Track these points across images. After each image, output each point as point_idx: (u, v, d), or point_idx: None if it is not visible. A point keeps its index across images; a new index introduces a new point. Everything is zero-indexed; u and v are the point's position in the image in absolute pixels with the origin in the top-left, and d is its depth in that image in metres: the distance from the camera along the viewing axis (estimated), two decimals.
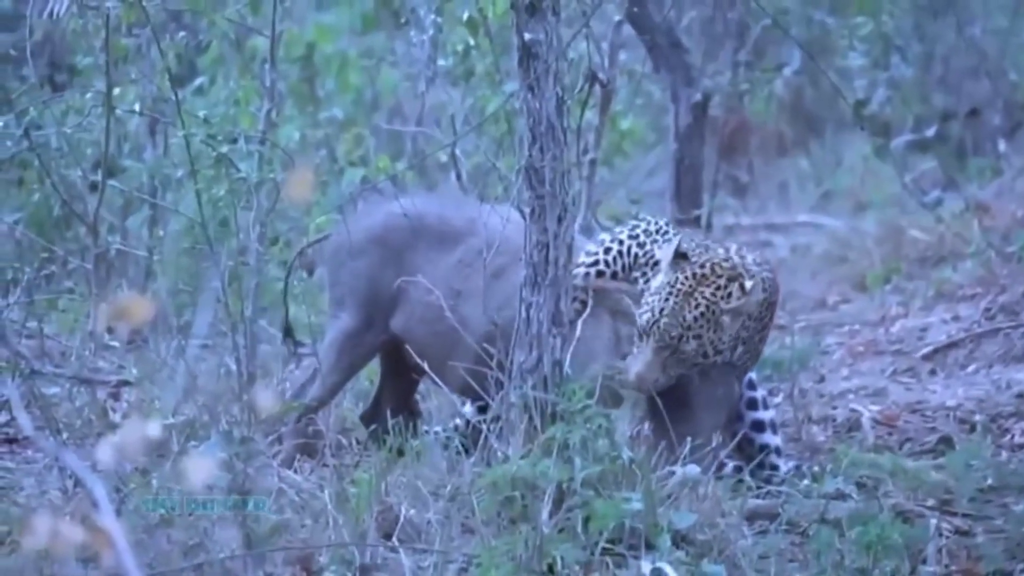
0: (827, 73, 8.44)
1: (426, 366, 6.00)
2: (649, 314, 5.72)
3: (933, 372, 7.68)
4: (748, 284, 5.73)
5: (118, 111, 7.31)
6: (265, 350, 6.77)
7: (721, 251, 5.82)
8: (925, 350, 7.85)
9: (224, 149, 6.12)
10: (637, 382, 5.73)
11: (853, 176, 11.38)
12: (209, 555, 4.96)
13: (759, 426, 6.06)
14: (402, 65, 9.32)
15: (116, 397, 6.86)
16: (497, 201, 6.62)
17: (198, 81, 8.78)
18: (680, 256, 5.74)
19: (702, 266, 5.74)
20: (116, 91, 7.21)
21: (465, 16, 7.62)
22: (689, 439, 5.65)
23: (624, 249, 5.92)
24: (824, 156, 12.03)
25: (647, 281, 5.85)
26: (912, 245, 9.32)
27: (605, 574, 5.09)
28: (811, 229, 10.97)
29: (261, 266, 6.26)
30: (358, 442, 6.38)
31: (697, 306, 5.71)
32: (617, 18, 7.52)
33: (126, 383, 6.88)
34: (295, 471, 5.89)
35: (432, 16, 7.87)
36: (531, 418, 5.41)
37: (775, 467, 6.03)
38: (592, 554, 5.10)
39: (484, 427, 5.57)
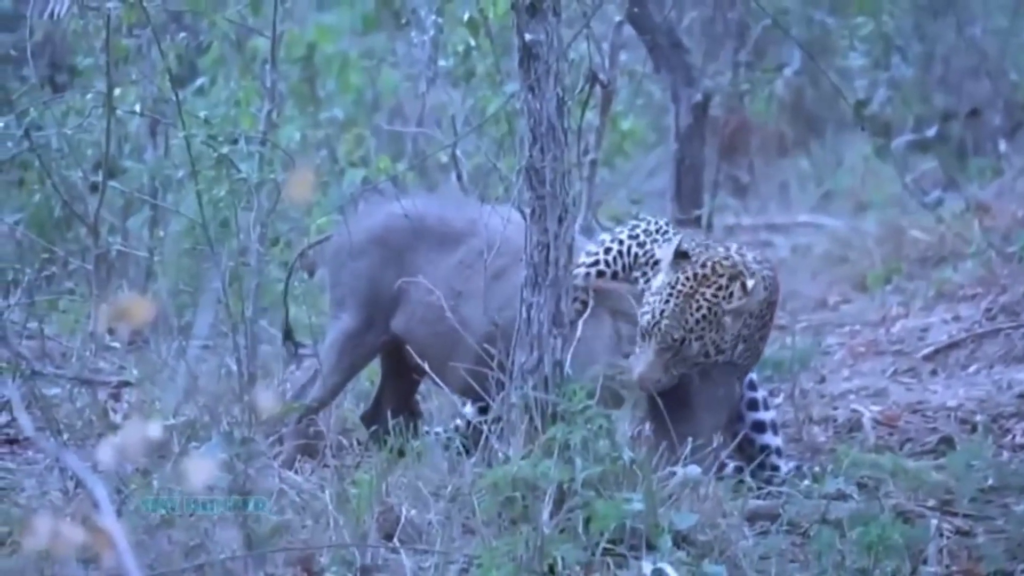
0: (827, 73, 8.44)
1: (427, 367, 6.00)
2: (650, 315, 5.72)
3: (934, 372, 7.68)
4: (750, 283, 5.73)
5: (119, 112, 7.31)
6: (266, 351, 6.77)
7: (721, 250, 5.81)
8: (926, 350, 7.85)
9: (225, 150, 6.12)
10: (640, 382, 5.73)
11: (854, 176, 11.38)
12: (210, 556, 4.96)
13: (760, 427, 6.06)
14: (403, 66, 9.32)
15: (117, 398, 6.87)
16: (498, 202, 6.63)
17: (199, 82, 8.78)
18: (681, 256, 5.74)
19: (703, 266, 5.74)
20: (117, 92, 7.22)
21: (466, 17, 7.62)
22: (690, 440, 5.65)
23: (624, 249, 5.92)
24: (825, 156, 12.03)
25: (647, 281, 5.85)
26: (913, 245, 9.32)
27: (606, 574, 5.09)
28: (812, 229, 10.97)
29: (262, 267, 6.26)
30: (359, 443, 6.38)
31: (699, 308, 5.71)
32: (618, 19, 7.53)
33: (127, 384, 6.89)
34: (296, 472, 5.89)
35: (433, 17, 7.87)
36: (532, 419, 5.41)
37: (776, 468, 6.03)
38: (593, 555, 5.10)
39: (485, 428, 5.57)
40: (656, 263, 5.87)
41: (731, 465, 5.94)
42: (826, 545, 5.21)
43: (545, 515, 5.14)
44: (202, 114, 6.47)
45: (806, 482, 5.81)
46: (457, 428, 6.21)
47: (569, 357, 5.48)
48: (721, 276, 5.74)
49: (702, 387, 5.83)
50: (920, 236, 9.32)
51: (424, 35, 7.84)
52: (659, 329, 5.70)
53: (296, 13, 9.03)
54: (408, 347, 6.10)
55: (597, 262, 5.91)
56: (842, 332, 8.51)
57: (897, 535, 5.19)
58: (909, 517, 5.58)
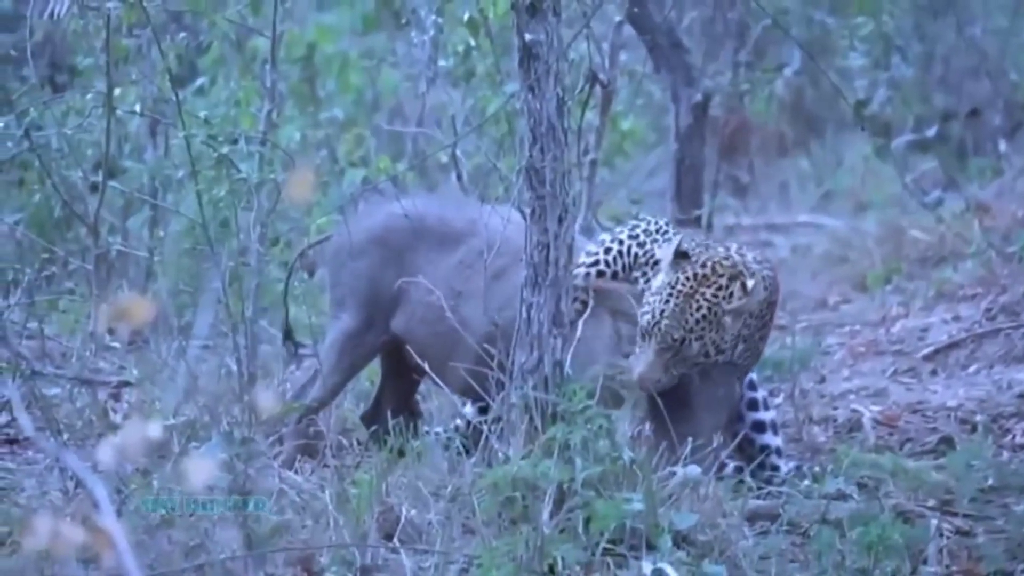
0: (827, 73, 8.44)
1: (427, 367, 6.00)
2: (650, 315, 5.72)
3: (934, 372, 7.68)
4: (750, 283, 5.73)
5: (119, 112, 7.31)
6: (266, 351, 6.77)
7: (721, 250, 5.81)
8: (926, 350, 7.85)
9: (225, 150, 6.12)
10: (640, 382, 5.73)
11: (854, 176, 11.38)
12: (210, 556, 4.96)
13: (760, 427, 6.06)
14: (403, 66, 9.32)
15: (117, 398, 6.87)
16: (498, 202, 6.63)
17: (199, 82, 8.78)
18: (681, 255, 5.74)
19: (703, 266, 5.74)
20: (117, 92, 7.22)
21: (466, 17, 7.62)
22: (690, 440, 5.65)
23: (624, 249, 5.92)
24: (825, 156, 12.03)
25: (647, 281, 5.85)
26: (913, 245, 9.32)
27: (606, 575, 5.09)
28: (812, 229, 10.97)
29: (262, 267, 6.26)
30: (359, 443, 6.38)
31: (699, 308, 5.70)
32: (618, 19, 7.53)
33: (127, 384, 6.89)
34: (296, 472, 5.89)
35: (433, 17, 7.87)
36: (532, 419, 5.41)
37: (776, 468, 6.03)
38: (593, 555, 5.10)
39: (485, 428, 5.57)
40: (656, 263, 5.87)
41: (731, 465, 5.94)
42: (826, 545, 5.21)
43: (545, 515, 5.14)
44: (202, 114, 6.47)
45: (806, 482, 5.81)
46: (457, 428, 6.21)
47: (569, 357, 5.48)
48: (721, 276, 5.74)
49: (702, 387, 5.83)
50: (920, 236, 9.32)
51: (424, 35, 7.84)
52: (659, 329, 5.70)
53: (296, 13, 9.03)
54: (408, 347, 6.10)
55: (597, 262, 5.91)
56: (842, 332, 8.51)
57: (897, 535, 5.19)
58: (909, 517, 5.58)
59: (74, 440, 6.01)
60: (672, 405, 5.75)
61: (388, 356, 6.29)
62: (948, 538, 5.48)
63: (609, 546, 5.13)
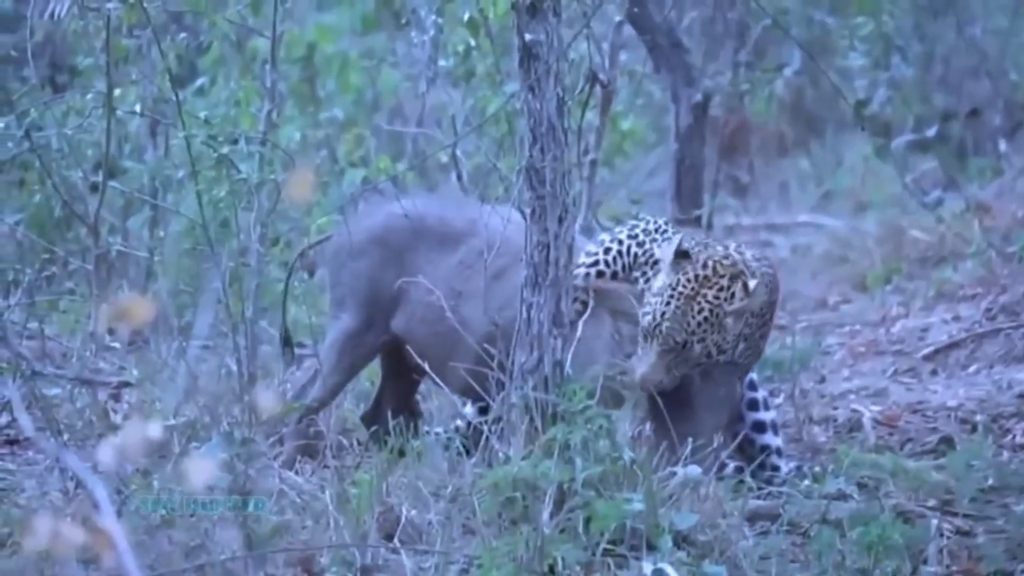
0: (827, 73, 8.44)
1: (427, 367, 6.00)
2: (651, 317, 5.71)
3: (934, 372, 7.68)
4: (752, 284, 5.72)
5: (119, 112, 7.32)
6: (266, 351, 6.76)
7: (720, 249, 5.80)
8: (926, 350, 7.85)
9: (225, 150, 6.12)
10: (642, 383, 5.72)
11: (854, 176, 11.38)
12: (210, 556, 4.96)
13: (760, 427, 6.06)
14: (403, 66, 9.32)
15: (117, 398, 6.87)
16: (498, 202, 6.63)
17: (199, 82, 8.78)
18: (681, 255, 5.73)
19: (704, 267, 5.72)
20: (117, 92, 7.22)
21: (466, 17, 7.62)
22: (690, 440, 5.65)
23: (624, 249, 5.92)
24: (825, 156, 12.03)
25: (647, 281, 5.85)
26: (913, 245, 9.32)
27: (606, 575, 5.09)
28: (812, 229, 10.97)
29: (262, 267, 6.26)
30: (359, 443, 6.38)
31: (701, 310, 5.69)
32: (618, 19, 7.53)
33: (127, 384, 6.89)
34: (296, 472, 5.89)
35: (433, 17, 7.87)
36: (532, 419, 5.41)
37: (776, 468, 6.03)
38: (593, 555, 5.10)
39: (485, 428, 5.57)
40: (656, 263, 5.87)
41: (731, 465, 5.94)
42: (826, 545, 5.21)
43: (545, 515, 5.14)
44: (202, 114, 6.47)
45: (806, 482, 5.81)
46: (457, 428, 6.21)
47: (569, 357, 5.48)
48: (722, 277, 5.73)
49: (703, 387, 5.83)
50: (920, 236, 9.32)
51: (424, 35, 7.84)
52: (660, 332, 5.69)
53: (296, 13, 9.03)
54: (408, 347, 6.10)
55: (597, 262, 5.91)
56: (842, 332, 8.51)
57: (897, 535, 5.19)
58: (909, 517, 5.58)
59: (74, 440, 6.01)
60: (673, 405, 5.75)
61: (388, 356, 6.29)
62: (948, 538, 5.48)
63: (609, 546, 5.13)
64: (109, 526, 3.43)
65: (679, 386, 5.78)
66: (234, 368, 6.07)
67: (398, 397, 6.34)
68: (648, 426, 5.89)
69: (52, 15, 6.82)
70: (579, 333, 5.63)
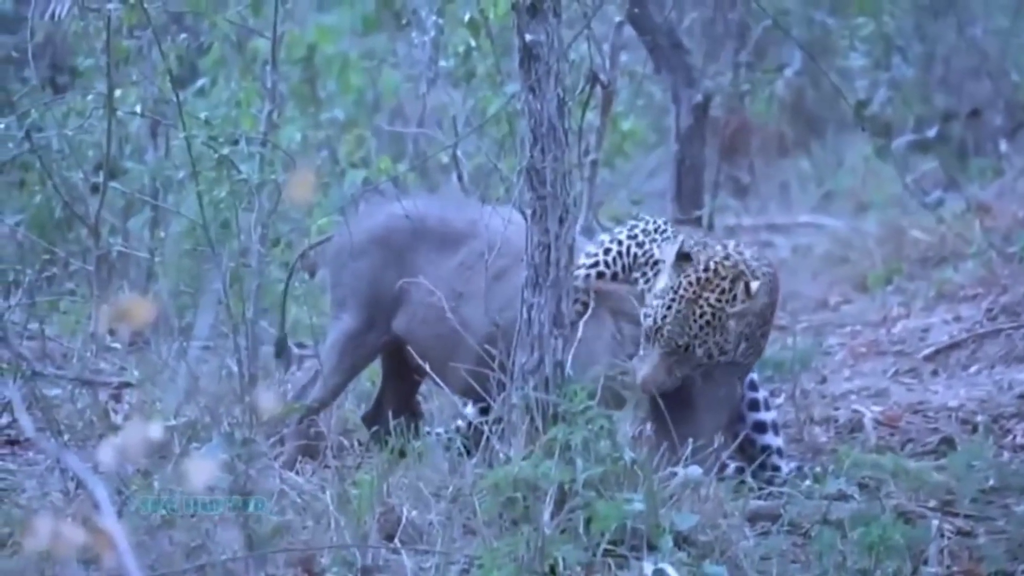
0: (828, 74, 8.44)
1: (428, 367, 6.00)
2: (652, 320, 5.70)
3: (935, 373, 7.68)
4: (754, 285, 5.71)
5: (119, 113, 7.32)
6: (267, 352, 6.76)
7: (720, 248, 5.78)
8: (927, 351, 7.85)
9: (225, 151, 6.12)
10: (643, 385, 5.72)
11: (854, 177, 11.38)
12: (211, 556, 4.96)
13: (761, 427, 6.06)
14: (403, 66, 9.32)
15: (118, 399, 6.87)
16: (499, 202, 6.63)
17: (199, 83, 8.78)
18: (683, 257, 5.72)
19: (706, 269, 5.71)
20: (117, 93, 7.22)
21: (466, 17, 7.62)
22: (691, 440, 5.64)
23: (623, 249, 5.91)
24: (825, 157, 12.03)
25: (647, 281, 5.84)
26: (913, 246, 9.32)
27: (607, 575, 5.09)
28: (812, 230, 10.97)
29: (263, 268, 6.26)
30: (360, 443, 6.38)
31: (703, 314, 5.68)
32: (618, 19, 7.53)
33: (128, 385, 6.89)
34: (297, 472, 5.90)
35: (433, 17, 7.88)
36: (533, 419, 5.41)
37: (777, 468, 6.03)
38: (594, 555, 5.10)
39: (486, 428, 5.57)
40: (655, 263, 5.86)
41: (732, 466, 5.94)
42: (827, 546, 5.21)
43: (546, 516, 5.14)
44: (203, 115, 6.47)
45: (807, 483, 5.81)
46: (458, 429, 6.21)
47: (570, 358, 5.48)
48: (724, 279, 5.72)
49: (703, 388, 5.83)
50: (921, 236, 9.32)
51: (425, 36, 7.85)
52: (662, 335, 5.68)
53: (297, 14, 9.02)
54: (409, 348, 6.10)
55: (597, 263, 5.91)
56: (843, 332, 8.51)
57: (898, 535, 5.19)
58: (910, 518, 5.58)
59: (75, 441, 6.01)
60: (673, 406, 5.75)
61: (389, 357, 6.30)
62: (949, 538, 5.48)
63: (610, 547, 5.13)
64: (110, 526, 3.43)
65: (680, 387, 5.77)
66: (235, 369, 6.07)
67: (399, 398, 6.34)
68: (649, 426, 5.89)
69: (53, 16, 6.82)
70: (580, 334, 5.63)
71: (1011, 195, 9.77)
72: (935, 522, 5.51)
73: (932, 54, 11.06)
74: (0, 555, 5.19)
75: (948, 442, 6.57)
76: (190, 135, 6.13)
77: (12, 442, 6.53)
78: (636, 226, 5.96)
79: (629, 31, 7.76)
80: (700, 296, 5.70)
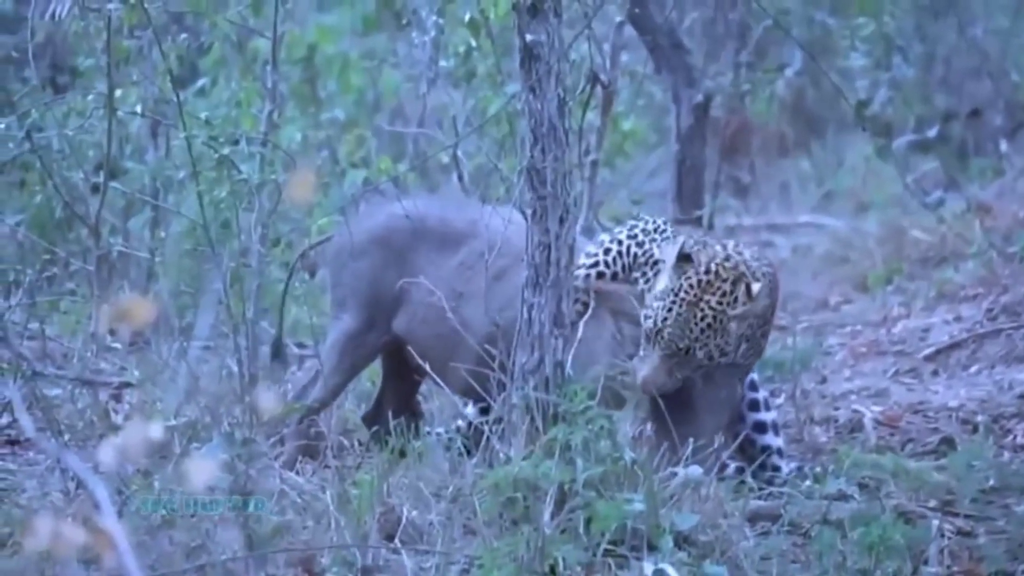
0: (828, 74, 8.44)
1: (428, 367, 6.00)
2: (652, 322, 5.69)
3: (935, 373, 7.68)
4: (755, 287, 5.70)
5: (120, 113, 7.32)
6: (267, 352, 6.76)
7: (719, 248, 5.77)
8: (927, 351, 7.85)
9: (226, 151, 6.12)
10: (643, 386, 5.72)
11: (855, 176, 11.38)
12: (211, 556, 4.96)
13: (761, 427, 6.05)
14: (404, 66, 9.32)
15: (118, 399, 6.87)
16: (499, 202, 6.63)
17: (200, 83, 8.78)
18: (683, 259, 5.71)
19: (707, 271, 5.69)
20: (118, 93, 7.22)
21: (467, 17, 7.62)
22: (691, 440, 5.64)
23: (623, 249, 5.91)
24: (826, 157, 12.03)
25: (647, 281, 5.84)
26: (914, 245, 9.32)
27: (607, 575, 5.09)
28: (813, 230, 10.97)
29: (263, 268, 6.26)
30: (360, 443, 6.38)
31: (704, 317, 5.67)
32: (619, 19, 7.53)
33: (128, 385, 6.89)
34: (297, 472, 5.90)
35: (434, 17, 7.88)
36: (533, 419, 5.41)
37: (777, 468, 6.03)
38: (594, 555, 5.10)
39: (486, 428, 5.57)
40: (655, 263, 5.86)
41: (732, 466, 5.94)
42: (827, 546, 5.21)
43: (546, 516, 5.14)
44: (203, 115, 6.47)
45: (807, 483, 5.81)
46: (458, 429, 6.21)
47: (570, 358, 5.48)
48: (725, 281, 5.71)
49: (704, 388, 5.83)
50: (921, 236, 9.32)
51: (425, 36, 7.85)
52: (662, 337, 5.68)
53: (297, 14, 9.03)
54: (409, 348, 6.10)
55: (597, 263, 5.91)
56: (843, 332, 8.50)
57: (898, 536, 5.19)
58: (910, 518, 5.58)
59: (75, 441, 6.01)
60: (673, 406, 5.75)
61: (389, 357, 6.30)
62: (949, 539, 5.48)
63: (610, 547, 5.13)
64: (110, 526, 3.43)
65: (680, 387, 5.77)
66: (235, 369, 6.07)
67: (399, 397, 6.34)
68: (649, 427, 5.89)
69: (53, 16, 6.82)
70: (580, 334, 5.63)
71: (1011, 195, 9.76)
72: (935, 522, 5.51)
73: (933, 54, 11.06)
74: (0, 555, 5.19)
75: (948, 442, 6.57)
76: (190, 135, 6.13)
77: (12, 442, 6.53)
78: (636, 226, 5.96)
79: (630, 31, 7.77)
80: (701, 299, 5.69)
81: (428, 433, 6.14)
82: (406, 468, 5.65)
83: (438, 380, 6.03)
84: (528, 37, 5.42)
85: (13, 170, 8.05)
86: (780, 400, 6.91)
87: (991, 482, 5.90)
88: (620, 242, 5.91)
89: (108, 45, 7.11)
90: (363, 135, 8.97)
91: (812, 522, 5.46)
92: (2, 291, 7.37)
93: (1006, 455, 6.45)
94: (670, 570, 5.00)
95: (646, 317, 5.72)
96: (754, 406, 6.05)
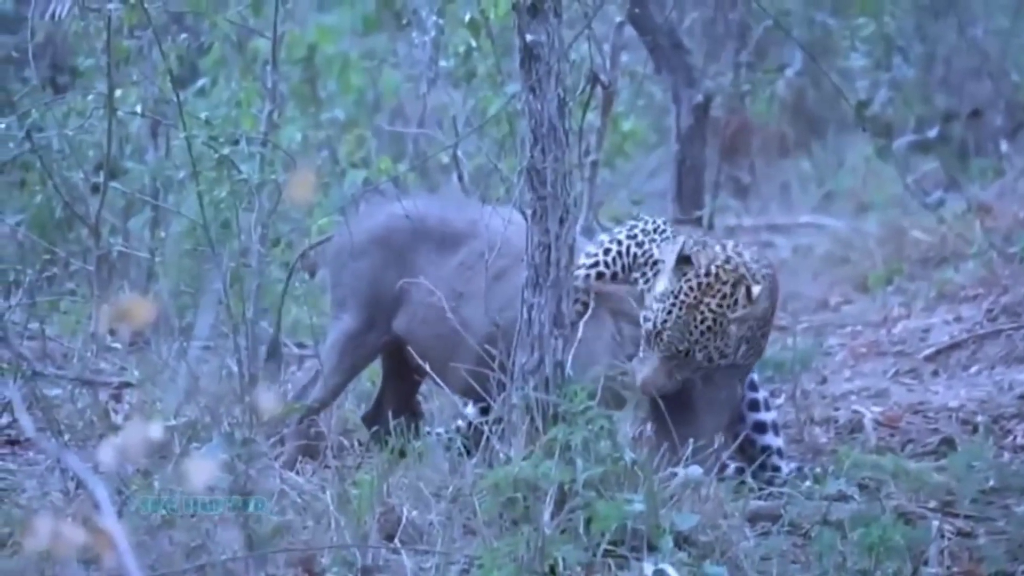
0: (829, 74, 8.44)
1: (428, 367, 6.00)
2: (652, 324, 5.69)
3: (935, 373, 7.68)
4: (756, 290, 5.69)
5: (120, 113, 7.32)
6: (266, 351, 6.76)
7: (718, 248, 5.76)
8: (927, 351, 7.85)
9: (226, 151, 6.12)
10: (643, 387, 5.72)
11: (855, 177, 11.38)
12: (211, 556, 4.96)
13: (761, 427, 6.05)
14: (404, 66, 9.32)
15: (118, 399, 6.87)
16: (499, 203, 6.62)
17: (200, 83, 8.78)
18: (683, 261, 5.70)
19: (707, 274, 5.68)
20: (118, 93, 7.22)
21: (467, 17, 7.62)
22: (691, 440, 5.64)
23: (623, 250, 5.91)
24: (826, 157, 12.03)
25: (647, 281, 5.84)
26: (914, 246, 9.32)
27: (607, 575, 5.09)
28: (813, 230, 10.97)
29: (263, 268, 6.26)
30: (360, 443, 6.38)
31: (704, 320, 5.66)
32: (619, 19, 7.53)
33: (128, 385, 6.89)
34: (297, 472, 5.90)
35: (434, 17, 7.88)
36: (533, 419, 5.41)
37: (777, 468, 6.03)
38: (594, 555, 5.10)
39: (486, 428, 5.57)
40: (655, 263, 5.85)
41: (732, 466, 5.94)
42: (827, 546, 5.21)
43: (546, 516, 5.14)
44: (203, 115, 6.47)
45: (807, 483, 5.80)
46: (458, 429, 6.21)
47: (570, 358, 5.48)
48: (725, 283, 5.69)
49: (704, 389, 5.82)
50: (921, 237, 9.32)
51: (425, 36, 7.85)
52: (662, 340, 5.67)
53: (297, 14, 9.02)
54: (409, 348, 6.10)
55: (596, 263, 5.90)
56: (843, 333, 8.50)
57: (898, 536, 5.19)
58: (910, 518, 5.58)
59: (75, 441, 6.01)
60: (673, 406, 5.75)
61: (389, 357, 6.30)
62: (949, 539, 5.48)
63: (610, 547, 5.12)
64: (110, 526, 3.43)
65: (680, 387, 5.77)
66: (235, 369, 6.07)
67: (399, 398, 6.34)
68: (649, 427, 5.89)
69: (53, 16, 6.82)
70: (580, 334, 5.62)
71: (1012, 195, 9.76)
72: (935, 523, 5.51)
73: (933, 54, 11.06)
74: (0, 555, 5.19)
75: (948, 443, 6.57)
76: (190, 135, 6.13)
77: (12, 442, 6.53)
78: (635, 226, 5.96)
79: (630, 31, 7.77)
80: (701, 302, 5.68)
81: (428, 433, 6.14)
82: (406, 468, 5.65)
83: (438, 380, 6.03)
84: (528, 37, 5.42)
85: (13, 170, 8.05)
86: (780, 400, 6.91)
87: (991, 483, 5.90)
88: (619, 242, 5.91)
89: (108, 45, 7.11)
90: (363, 135, 8.97)
91: (812, 522, 5.46)
92: (2, 291, 7.37)
93: (1006, 456, 6.45)
94: (670, 570, 5.00)
95: (646, 319, 5.71)
96: (754, 406, 6.05)
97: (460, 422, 6.23)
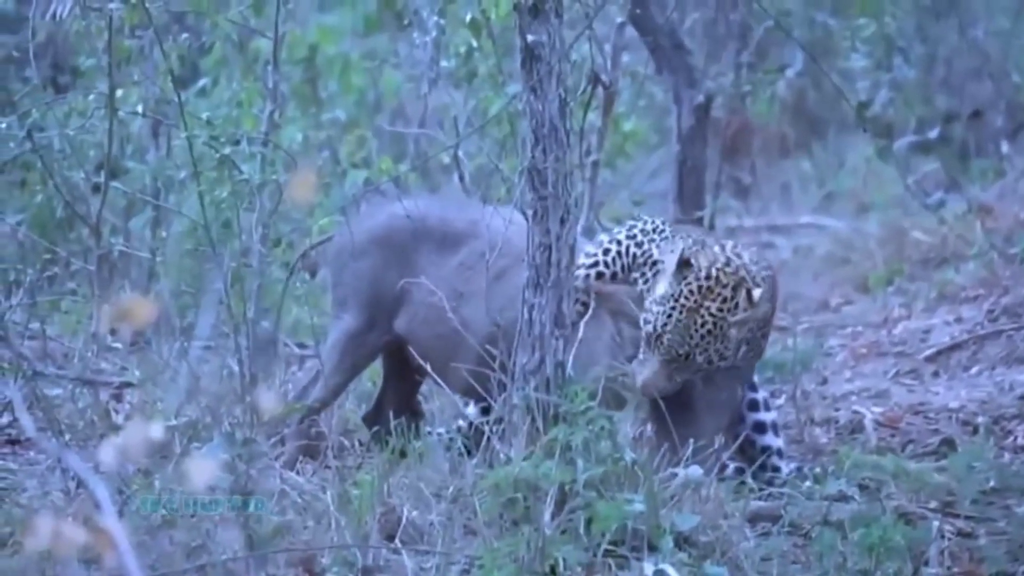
0: (829, 75, 8.44)
1: (429, 367, 6.00)
2: (652, 327, 5.68)
3: (936, 374, 7.68)
4: (756, 293, 5.69)
5: (121, 113, 7.32)
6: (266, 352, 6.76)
7: (717, 249, 5.76)
8: (928, 352, 7.85)
9: (227, 151, 6.13)
10: (643, 389, 5.72)
11: (856, 177, 11.37)
12: (211, 556, 4.96)
13: (761, 428, 6.05)
14: (405, 67, 9.32)
15: (119, 399, 6.87)
16: (500, 203, 6.63)
17: (201, 83, 8.79)
18: (684, 264, 5.69)
19: (707, 277, 5.67)
20: (119, 93, 7.23)
21: (468, 18, 7.62)
22: (691, 441, 5.64)
23: (623, 250, 5.91)
24: (826, 157, 12.02)
25: (647, 282, 5.83)
26: (915, 247, 9.32)
27: None
28: (813, 230, 10.97)
29: (264, 268, 6.27)
30: (360, 443, 6.38)
31: (704, 323, 5.65)
32: (620, 20, 7.53)
33: (129, 384, 6.89)
34: (297, 472, 5.90)
35: (435, 18, 7.88)
36: (533, 419, 5.41)
37: (777, 469, 6.03)
38: (594, 555, 5.10)
39: (487, 428, 5.57)
40: (655, 263, 5.85)
41: (732, 466, 5.94)
42: (828, 546, 5.21)
43: (547, 516, 5.14)
44: (204, 115, 6.48)
45: (807, 483, 5.81)
46: (459, 429, 6.21)
47: (571, 358, 5.48)
48: (725, 287, 5.69)
49: (704, 389, 5.82)
50: (922, 237, 9.32)
51: (426, 36, 7.85)
52: (662, 343, 5.67)
53: (298, 14, 9.03)
54: (410, 348, 6.10)
55: (596, 264, 5.90)
56: (844, 333, 8.50)
57: (899, 537, 5.19)
58: (911, 519, 5.58)
59: (76, 441, 6.01)
60: (674, 407, 5.75)
61: (390, 357, 6.30)
62: (950, 540, 5.48)
63: (611, 547, 5.13)
64: (110, 526, 3.43)
65: (680, 388, 5.77)
66: (236, 369, 6.07)
67: (400, 398, 6.34)
68: (649, 427, 5.89)
69: (54, 16, 6.82)
70: (580, 335, 5.62)
71: (1012, 196, 9.76)
72: (936, 523, 5.51)
73: (934, 55, 11.06)
74: (0, 555, 5.19)
75: (949, 443, 6.57)
76: (192, 135, 6.13)
77: (13, 442, 6.54)
78: (635, 226, 5.95)
79: (631, 32, 7.77)
80: (701, 306, 5.67)
81: (429, 433, 6.14)
82: (407, 468, 5.65)
83: (439, 380, 6.03)
84: (529, 37, 5.42)
85: (14, 170, 8.05)
86: (781, 401, 6.91)
87: (991, 483, 5.90)
88: (619, 242, 5.91)
89: (109, 45, 7.11)
90: (364, 135, 8.97)
91: (812, 523, 5.46)
92: (3, 291, 7.37)
93: (1007, 456, 6.45)
94: (670, 571, 5.00)
95: (646, 322, 5.71)
96: (754, 406, 6.05)
97: (461, 422, 6.23)
